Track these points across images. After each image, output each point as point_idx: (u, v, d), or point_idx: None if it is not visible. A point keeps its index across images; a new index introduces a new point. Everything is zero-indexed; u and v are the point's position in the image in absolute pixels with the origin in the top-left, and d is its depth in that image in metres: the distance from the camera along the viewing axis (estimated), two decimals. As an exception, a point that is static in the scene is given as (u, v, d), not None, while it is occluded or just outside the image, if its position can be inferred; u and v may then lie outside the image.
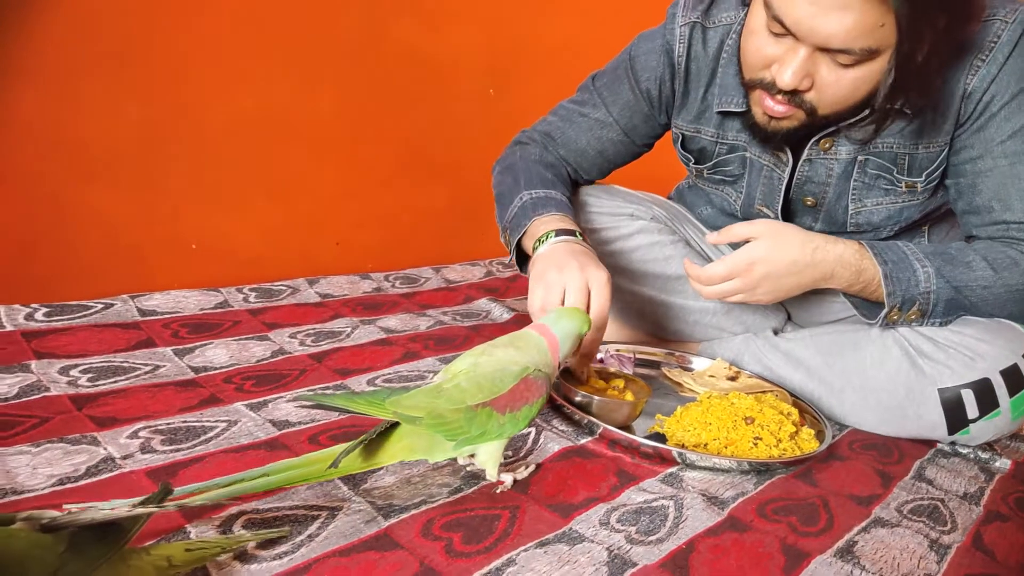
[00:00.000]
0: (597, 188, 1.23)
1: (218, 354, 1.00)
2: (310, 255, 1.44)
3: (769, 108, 0.91)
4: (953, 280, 0.95)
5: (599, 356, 1.08)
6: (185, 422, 0.80)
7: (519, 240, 1.06)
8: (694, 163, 1.17)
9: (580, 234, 1.00)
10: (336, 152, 1.47)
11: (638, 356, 1.14)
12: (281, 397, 0.89)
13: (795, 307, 1.22)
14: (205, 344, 1.02)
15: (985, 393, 0.93)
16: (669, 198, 1.35)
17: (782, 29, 0.83)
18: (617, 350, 1.12)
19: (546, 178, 1.11)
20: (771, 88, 0.89)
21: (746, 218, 1.15)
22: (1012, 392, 0.93)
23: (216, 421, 0.81)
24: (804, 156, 1.02)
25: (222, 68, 1.26)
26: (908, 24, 0.77)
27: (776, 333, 1.17)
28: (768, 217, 1.11)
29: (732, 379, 1.08)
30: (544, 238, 0.99)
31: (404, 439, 0.68)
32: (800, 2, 0.79)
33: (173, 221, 1.25)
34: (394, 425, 0.68)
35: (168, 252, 1.25)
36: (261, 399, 0.88)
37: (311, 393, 0.74)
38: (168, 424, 0.79)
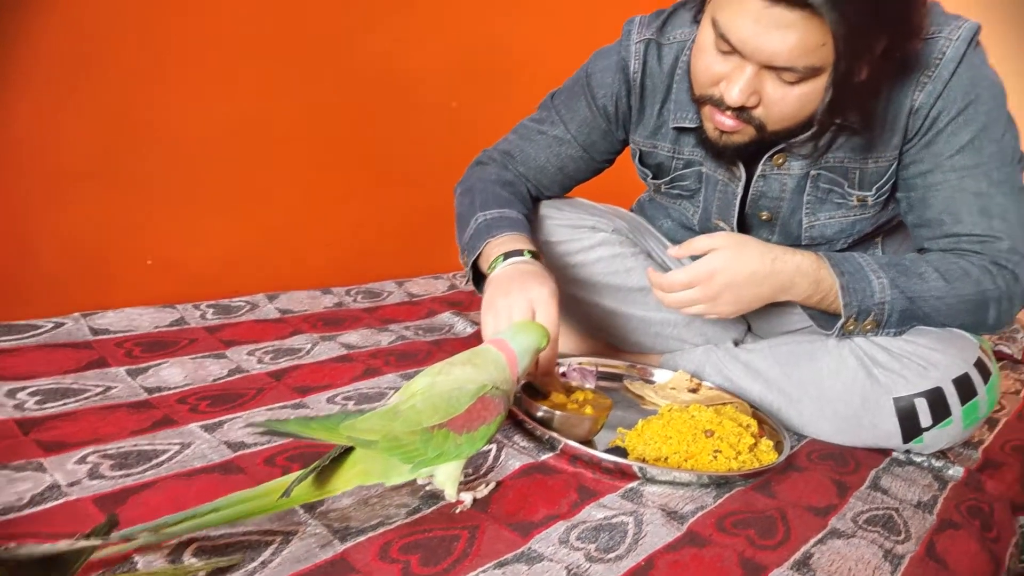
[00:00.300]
0: (559, 201, 1.24)
1: (173, 373, 0.98)
2: (271, 270, 1.42)
3: (720, 123, 0.93)
4: (907, 291, 0.97)
5: (561, 370, 1.08)
6: (136, 445, 0.78)
7: (476, 261, 1.06)
8: (652, 178, 1.18)
9: (531, 251, 1.00)
10: (298, 166, 1.45)
11: (600, 369, 1.14)
12: (238, 417, 0.87)
13: (755, 318, 1.23)
14: (160, 363, 1.00)
15: (938, 402, 0.95)
16: (631, 211, 1.36)
17: (729, 47, 0.85)
18: (579, 363, 1.12)
19: (502, 197, 1.11)
20: (720, 104, 0.90)
21: (704, 231, 1.17)
22: (964, 400, 0.95)
23: (168, 444, 0.79)
24: (758, 172, 1.04)
25: (179, 82, 1.24)
26: (845, 44, 0.79)
27: (736, 344, 1.18)
28: (725, 231, 1.12)
29: (693, 391, 1.08)
30: (494, 264, 0.99)
31: (359, 463, 0.67)
32: (745, 22, 0.81)
33: (129, 237, 1.23)
34: (348, 449, 0.67)
35: (123, 268, 1.23)
36: (216, 420, 0.86)
37: (263, 420, 0.72)
38: (119, 448, 0.77)
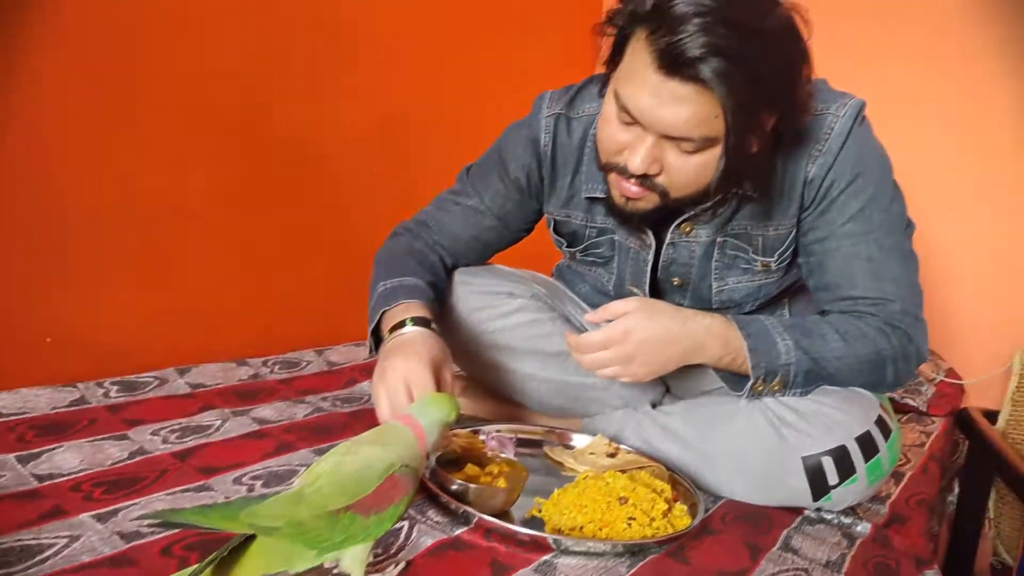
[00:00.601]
0: (476, 268, 1.25)
1: (68, 458, 0.93)
2: (183, 343, 1.38)
3: (625, 190, 0.96)
4: (810, 352, 1.00)
5: (480, 438, 1.07)
6: (19, 541, 0.73)
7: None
8: (567, 246, 1.20)
9: (415, 318, 0.99)
10: (212, 235, 1.43)
11: (519, 436, 1.13)
12: (135, 504, 0.83)
13: (673, 379, 1.25)
14: (54, 448, 0.95)
15: (843, 459, 0.97)
16: (551, 276, 1.38)
17: (630, 118, 0.89)
18: (497, 431, 1.11)
19: (405, 265, 1.12)
20: (625, 172, 0.93)
21: (619, 297, 1.19)
22: (867, 458, 0.98)
23: (56, 537, 0.74)
24: (667, 240, 1.07)
25: (84, 151, 1.21)
26: (734, 117, 0.83)
27: (655, 406, 1.19)
28: (639, 296, 1.14)
29: (612, 455, 1.09)
30: (388, 334, 0.99)
31: (263, 552, 0.64)
32: (643, 95, 0.85)
33: (25, 313, 1.18)
34: (251, 537, 0.64)
35: (19, 346, 1.17)
36: (111, 508, 0.81)
37: (157, 512, 0.68)
38: (0, 545, 0.72)
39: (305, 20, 1.50)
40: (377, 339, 1.07)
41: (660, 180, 0.93)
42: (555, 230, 1.20)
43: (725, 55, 0.79)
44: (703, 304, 1.14)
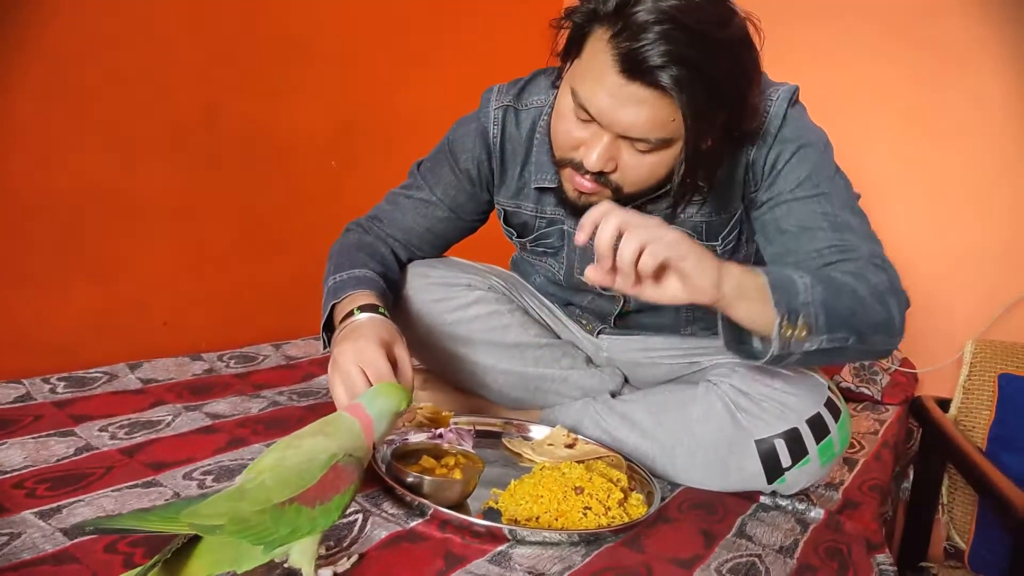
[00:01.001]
0: (433, 260, 1.24)
1: (11, 455, 0.90)
2: (134, 338, 1.34)
3: (579, 185, 0.96)
4: (827, 287, 0.89)
5: (437, 431, 1.06)
6: (-44, 540, 0.71)
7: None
8: (517, 237, 1.20)
9: (363, 306, 0.98)
10: (165, 230, 1.39)
11: (477, 428, 1.13)
12: (80, 501, 0.81)
13: (631, 370, 1.25)
14: (-4, 445, 0.92)
15: (795, 442, 0.99)
16: (509, 268, 1.37)
17: (588, 116, 0.89)
18: (455, 423, 1.10)
19: (354, 258, 1.11)
20: (580, 168, 0.93)
21: (570, 286, 1.20)
22: (818, 439, 0.99)
23: (-5, 535, 0.72)
24: None
25: (30, 143, 1.18)
26: (692, 123, 0.85)
27: (614, 396, 1.20)
28: (589, 286, 1.14)
29: (570, 446, 1.09)
30: (341, 324, 0.98)
31: (208, 553, 0.63)
32: (602, 95, 0.86)
33: (-31, 308, 1.14)
34: (195, 538, 0.63)
35: (-38, 342, 1.14)
36: (54, 505, 0.79)
37: (90, 520, 0.66)
38: (-65, 544, 0.69)
39: (261, 14, 1.47)
40: (330, 334, 1.05)
41: (614, 177, 0.94)
42: (505, 221, 1.20)
43: (685, 63, 0.80)
44: None
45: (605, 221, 0.81)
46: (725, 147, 0.96)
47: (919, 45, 1.88)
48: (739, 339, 0.93)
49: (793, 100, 1.00)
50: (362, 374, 0.87)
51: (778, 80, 1.02)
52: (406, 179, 1.23)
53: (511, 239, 1.23)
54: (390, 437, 0.98)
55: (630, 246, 0.79)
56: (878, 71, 1.94)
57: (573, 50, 0.91)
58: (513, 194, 1.15)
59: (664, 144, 0.89)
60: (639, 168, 0.91)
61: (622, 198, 0.96)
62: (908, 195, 1.92)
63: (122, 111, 1.28)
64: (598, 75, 0.86)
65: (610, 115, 0.86)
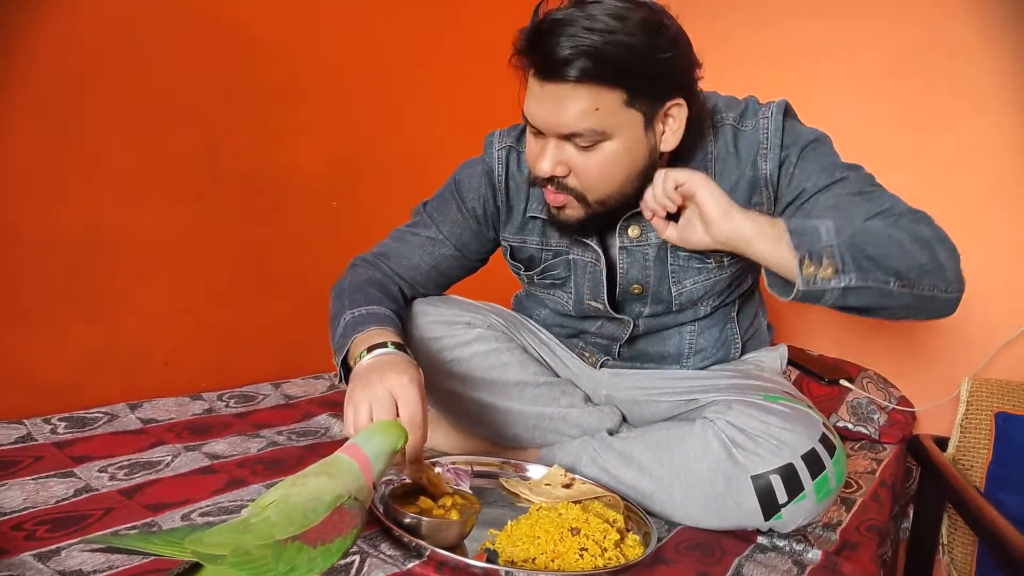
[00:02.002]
0: (434, 298, 1.26)
1: (11, 497, 0.91)
2: (134, 377, 1.35)
3: (551, 199, 1.04)
4: (853, 234, 0.92)
5: (436, 470, 1.07)
6: (-45, 582, 0.71)
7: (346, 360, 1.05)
8: (524, 271, 1.24)
9: (395, 343, 1.00)
10: (166, 269, 1.41)
11: (475, 468, 1.13)
12: (79, 543, 0.81)
13: (629, 407, 1.26)
14: (-4, 486, 0.93)
15: (791, 478, 1.00)
16: (512, 306, 1.39)
17: (535, 129, 0.98)
18: (453, 463, 1.11)
19: (370, 295, 1.12)
20: (544, 182, 1.02)
21: (580, 315, 1.23)
22: (813, 475, 1.00)
23: (-6, 578, 0.73)
24: (618, 245, 1.12)
25: (32, 182, 1.20)
26: (612, 109, 0.93)
27: (612, 434, 1.20)
28: (599, 310, 1.18)
29: (567, 486, 1.09)
30: (358, 357, 0.99)
31: (205, 582, 0.63)
32: (532, 102, 0.97)
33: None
34: (194, 567, 0.63)
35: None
36: (53, 547, 0.80)
37: (100, 535, 0.67)
38: (-66, 586, 0.70)
39: (261, 57, 1.51)
40: (347, 368, 1.06)
41: (571, 183, 1.01)
42: (512, 256, 1.23)
43: (588, 54, 0.89)
44: (664, 307, 1.17)
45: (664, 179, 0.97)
46: (693, 141, 1.04)
47: (911, 86, 1.92)
48: (781, 281, 0.96)
49: (786, 112, 1.07)
50: (393, 405, 0.89)
51: (751, 96, 1.10)
52: (410, 219, 1.26)
53: (518, 274, 1.26)
54: (387, 477, 0.98)
55: (670, 180, 0.97)
56: (869, 113, 1.97)
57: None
58: (518, 229, 1.20)
59: (600, 136, 0.95)
60: (588, 167, 0.98)
61: (593, 207, 1.02)
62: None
63: (123, 152, 1.31)
64: (529, 88, 0.97)
65: (541, 118, 0.96)
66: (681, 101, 0.98)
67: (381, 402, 0.89)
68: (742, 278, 1.20)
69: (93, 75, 1.25)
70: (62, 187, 1.24)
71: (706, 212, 0.95)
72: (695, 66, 0.99)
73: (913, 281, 0.92)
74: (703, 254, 1.11)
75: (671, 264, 1.13)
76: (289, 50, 1.56)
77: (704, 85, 1.05)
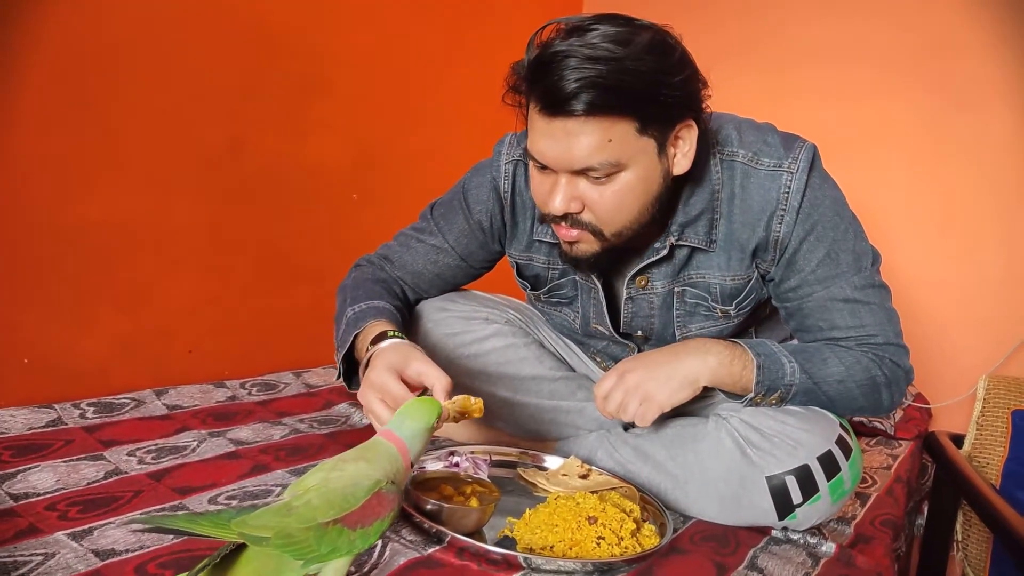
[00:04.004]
0: (452, 294, 1.27)
1: (43, 478, 0.93)
2: (159, 365, 1.38)
3: (563, 235, 0.99)
4: (814, 376, 1.03)
5: (454, 460, 1.09)
6: (-6, 559, 0.74)
7: (351, 356, 1.08)
8: (531, 289, 1.22)
9: (394, 332, 1.02)
10: (191, 260, 1.44)
11: (493, 457, 1.15)
12: (110, 523, 0.84)
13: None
14: (30, 468, 0.96)
15: (806, 479, 1.00)
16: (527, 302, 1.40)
17: (541, 165, 0.94)
18: (471, 452, 1.13)
19: (372, 291, 1.14)
20: (555, 218, 0.97)
21: (586, 335, 1.22)
22: (829, 476, 1.00)
23: (31, 555, 0.75)
24: (624, 295, 1.10)
25: (62, 172, 1.22)
26: (624, 140, 0.89)
27: (627, 429, 1.22)
28: (604, 333, 1.17)
29: (584, 477, 1.10)
30: (365, 354, 1.01)
31: (251, 562, 0.66)
32: (539, 138, 0.92)
33: (4, 334, 1.18)
34: (238, 548, 0.66)
35: (-4, 367, 1.18)
36: (86, 527, 0.82)
37: (148, 516, 0.70)
38: (-26, 562, 0.72)
39: (284, 52, 1.53)
40: (349, 364, 1.09)
41: (586, 217, 0.96)
42: (519, 273, 1.21)
43: (595, 86, 0.85)
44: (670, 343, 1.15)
45: (608, 401, 1.03)
46: (701, 168, 1.01)
47: (925, 83, 1.91)
48: None
49: (812, 166, 1.01)
50: (382, 403, 0.90)
51: (786, 120, 1.05)
52: (417, 220, 1.25)
53: (525, 291, 1.24)
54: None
55: (630, 411, 1.02)
56: (883, 109, 1.97)
57: (525, 122, 0.97)
58: (524, 247, 1.17)
59: (614, 168, 0.91)
60: (603, 201, 0.94)
61: (608, 241, 0.98)
62: (919, 230, 1.94)
63: (151, 146, 1.33)
64: (533, 123, 0.93)
65: (551, 154, 0.91)
66: (691, 122, 0.94)
67: (373, 411, 0.91)
68: (755, 321, 1.18)
69: (120, 71, 1.27)
70: (91, 181, 1.26)
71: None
72: (703, 85, 0.96)
73: (844, 413, 1.08)
74: (708, 302, 1.09)
75: (676, 310, 1.11)
76: (312, 46, 1.58)
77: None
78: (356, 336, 1.06)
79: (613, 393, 1.02)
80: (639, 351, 1.18)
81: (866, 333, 1.04)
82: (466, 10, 1.96)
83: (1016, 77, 1.78)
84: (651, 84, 0.88)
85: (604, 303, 1.12)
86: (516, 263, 1.20)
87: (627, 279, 1.08)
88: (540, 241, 1.14)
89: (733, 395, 1.06)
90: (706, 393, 1.11)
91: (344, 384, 1.11)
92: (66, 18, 1.19)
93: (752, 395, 1.02)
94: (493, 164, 1.15)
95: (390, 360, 0.94)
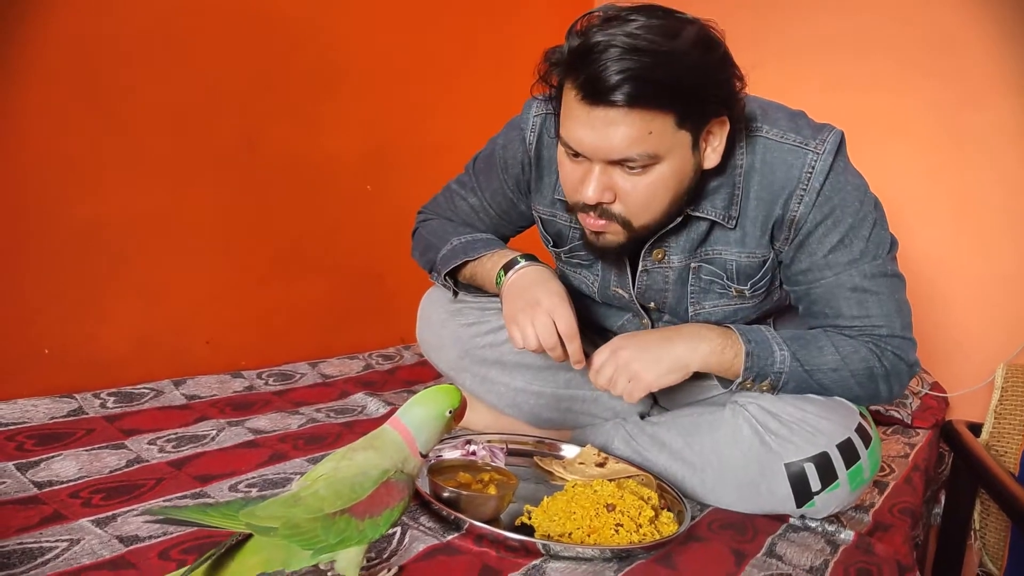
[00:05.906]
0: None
1: (66, 466, 0.95)
2: (178, 356, 1.39)
3: (590, 224, 0.98)
4: (805, 364, 1.02)
5: (471, 448, 1.09)
6: (21, 544, 0.75)
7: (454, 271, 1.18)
8: (553, 246, 1.21)
9: (524, 255, 1.11)
10: (208, 251, 1.45)
11: (510, 446, 1.15)
12: (132, 510, 0.85)
13: (660, 390, 1.27)
14: (52, 456, 0.97)
15: (825, 466, 1.00)
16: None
17: (575, 152, 0.93)
18: (488, 441, 1.13)
19: (464, 230, 1.22)
20: (585, 207, 0.96)
21: (604, 299, 1.21)
22: (848, 464, 1.00)
23: (56, 541, 0.76)
24: (640, 268, 1.09)
25: (81, 166, 1.23)
26: (664, 132, 0.89)
27: (643, 417, 1.22)
28: (624, 298, 1.16)
29: (600, 465, 1.11)
30: (498, 276, 1.10)
31: (260, 552, 0.66)
32: (577, 127, 0.90)
33: (25, 325, 1.19)
34: (247, 537, 0.66)
35: (17, 358, 1.18)
36: (109, 513, 0.83)
37: (160, 507, 0.71)
38: (2, 547, 0.73)
39: (299, 46, 1.53)
40: (454, 283, 1.20)
41: (617, 208, 0.96)
42: (543, 227, 1.21)
43: (639, 77, 0.83)
44: (682, 320, 1.15)
45: (599, 374, 1.05)
46: (738, 171, 1.01)
47: (940, 76, 1.90)
48: None
49: (840, 152, 1.00)
50: (555, 328, 1.01)
51: (798, 110, 1.04)
52: (463, 172, 1.26)
53: (547, 247, 1.23)
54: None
55: (619, 388, 1.04)
56: (898, 102, 1.95)
57: (556, 105, 0.95)
58: (549, 203, 1.16)
59: (652, 160, 0.90)
60: (636, 192, 0.93)
61: (634, 233, 0.98)
62: (936, 220, 1.92)
63: (167, 141, 1.34)
64: (569, 111, 0.91)
65: (589, 143, 0.90)
66: (724, 118, 0.94)
67: (544, 326, 1.00)
68: (773, 306, 1.16)
69: (136, 67, 1.28)
70: (110, 177, 1.27)
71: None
72: (740, 81, 0.95)
73: (843, 397, 1.07)
74: (724, 280, 1.08)
75: (691, 285, 1.10)
76: (326, 39, 1.59)
77: None
78: (474, 258, 1.14)
79: (604, 367, 1.05)
80: (654, 328, 1.18)
81: (871, 324, 1.02)
82: (479, 3, 1.96)
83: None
84: (696, 79, 0.87)
85: (628, 266, 1.12)
86: (540, 218, 1.19)
87: (644, 250, 1.07)
88: (562, 200, 1.12)
89: (725, 380, 1.08)
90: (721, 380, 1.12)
91: (452, 290, 1.22)
92: (82, 16, 1.19)
93: (740, 380, 1.04)
94: (522, 118, 1.15)
95: (561, 291, 1.04)
